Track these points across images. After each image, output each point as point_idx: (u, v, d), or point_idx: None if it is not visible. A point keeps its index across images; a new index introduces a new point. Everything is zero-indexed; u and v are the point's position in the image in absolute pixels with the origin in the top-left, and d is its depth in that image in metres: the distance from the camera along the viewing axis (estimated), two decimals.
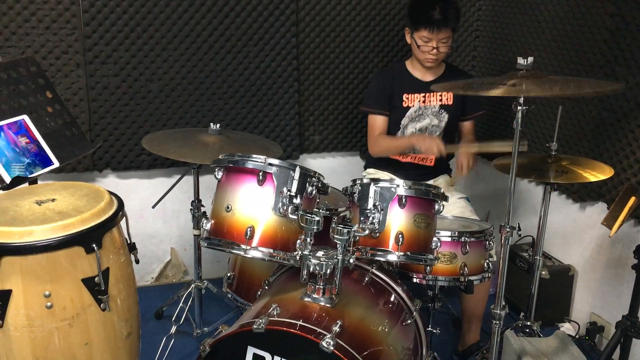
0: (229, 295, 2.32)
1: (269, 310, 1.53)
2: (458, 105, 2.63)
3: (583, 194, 2.60)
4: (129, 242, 1.72)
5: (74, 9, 2.55)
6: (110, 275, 1.56)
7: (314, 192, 1.73)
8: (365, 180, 1.82)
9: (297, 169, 1.69)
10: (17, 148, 1.89)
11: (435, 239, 1.86)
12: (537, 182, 2.84)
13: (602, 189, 2.49)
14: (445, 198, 1.87)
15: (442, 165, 2.72)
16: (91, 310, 1.52)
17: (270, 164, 1.68)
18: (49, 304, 1.45)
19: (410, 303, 1.86)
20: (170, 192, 2.51)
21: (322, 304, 1.60)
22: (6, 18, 2.47)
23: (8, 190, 1.73)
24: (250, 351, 1.51)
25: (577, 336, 2.62)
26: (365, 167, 2.83)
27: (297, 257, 1.65)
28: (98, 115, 2.69)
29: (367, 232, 1.75)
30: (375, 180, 1.81)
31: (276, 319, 1.50)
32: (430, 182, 2.66)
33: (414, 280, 2.05)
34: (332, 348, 1.40)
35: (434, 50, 2.46)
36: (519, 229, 1.80)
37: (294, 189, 1.68)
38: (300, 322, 1.48)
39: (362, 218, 1.78)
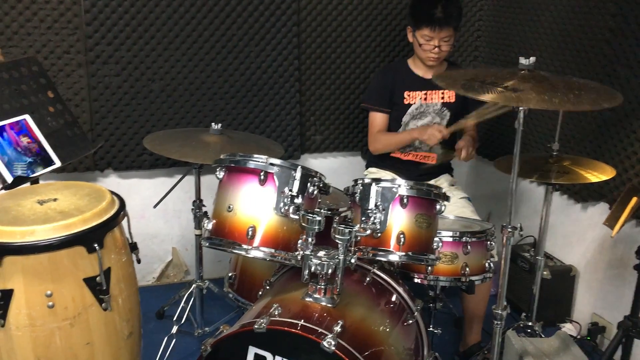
0: (230, 295, 2.32)
1: (271, 310, 1.53)
2: (460, 102, 2.63)
3: (585, 194, 2.60)
4: (130, 241, 1.72)
5: (75, 9, 2.55)
6: (111, 274, 1.56)
7: (315, 192, 1.73)
8: (366, 180, 1.82)
9: (299, 169, 1.69)
10: (19, 148, 1.89)
11: (436, 239, 1.86)
12: (539, 183, 2.84)
13: (603, 189, 2.48)
14: (447, 198, 1.86)
15: (443, 164, 2.72)
16: (93, 310, 1.52)
17: (272, 164, 1.68)
18: (50, 303, 1.45)
19: (412, 303, 1.85)
20: (171, 192, 2.51)
21: (324, 304, 1.60)
22: (8, 18, 2.47)
23: (10, 189, 1.74)
24: (252, 351, 1.51)
25: (578, 336, 2.62)
26: (367, 166, 2.83)
27: (299, 257, 1.65)
28: (99, 115, 2.70)
29: (368, 232, 1.75)
30: (377, 180, 1.81)
31: (277, 318, 1.50)
32: (432, 181, 2.66)
33: (416, 280, 2.04)
34: (333, 348, 1.39)
35: (436, 49, 2.46)
36: (521, 229, 1.80)
37: (295, 189, 1.67)
38: (301, 322, 1.48)
39: (363, 218, 1.78)
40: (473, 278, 2.04)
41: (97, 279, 1.51)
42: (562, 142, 2.43)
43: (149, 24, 2.65)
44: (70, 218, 1.47)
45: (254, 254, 1.66)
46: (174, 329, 2.41)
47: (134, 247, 1.73)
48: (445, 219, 2.30)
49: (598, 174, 2.11)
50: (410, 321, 1.79)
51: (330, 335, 1.42)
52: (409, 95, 2.61)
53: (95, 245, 1.49)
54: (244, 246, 1.66)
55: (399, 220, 1.78)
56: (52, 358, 1.49)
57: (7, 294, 1.43)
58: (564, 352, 2.19)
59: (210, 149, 2.26)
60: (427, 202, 1.82)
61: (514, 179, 1.74)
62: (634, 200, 1.98)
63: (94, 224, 1.50)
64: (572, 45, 2.56)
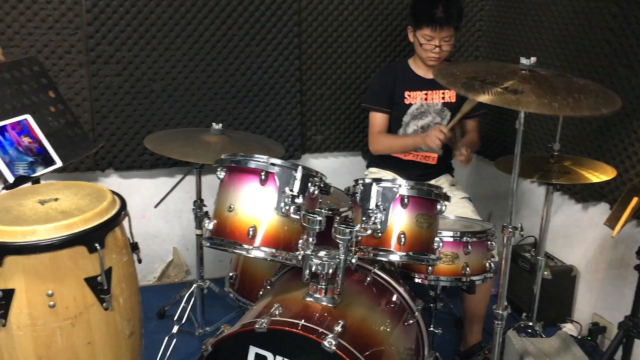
0: (231, 295, 2.32)
1: (271, 310, 1.53)
2: (461, 103, 2.61)
3: (585, 194, 2.60)
4: (131, 241, 1.72)
5: (76, 9, 2.55)
6: (112, 274, 1.56)
7: (316, 192, 1.73)
8: (367, 180, 1.82)
9: (300, 169, 1.69)
10: (20, 147, 1.89)
11: (437, 239, 1.86)
12: (540, 183, 2.84)
13: (604, 190, 2.48)
14: (448, 198, 1.86)
15: (444, 164, 2.72)
16: (94, 310, 1.52)
17: (273, 164, 1.68)
18: (51, 303, 1.45)
19: (412, 303, 1.86)
20: (172, 192, 2.51)
21: (324, 303, 1.60)
22: (9, 18, 2.47)
23: (11, 189, 1.74)
24: (252, 351, 1.51)
25: (579, 337, 2.62)
26: (368, 166, 2.84)
27: (299, 257, 1.65)
28: (101, 115, 2.70)
29: (369, 232, 1.75)
30: (378, 180, 1.81)
31: (278, 318, 1.50)
32: (433, 181, 2.66)
33: (416, 280, 2.04)
34: (334, 348, 1.40)
35: (437, 49, 2.46)
36: (521, 229, 1.80)
37: (296, 188, 1.68)
38: (302, 322, 1.48)
39: (364, 218, 1.78)
40: (474, 278, 2.04)
41: (98, 278, 1.51)
42: (563, 142, 2.43)
43: (150, 24, 2.65)
44: (71, 218, 1.47)
45: (254, 254, 1.66)
46: (175, 329, 2.41)
47: (135, 247, 1.73)
48: (446, 219, 2.30)
49: (599, 174, 2.11)
50: (411, 321, 1.79)
51: (331, 335, 1.42)
52: (409, 95, 2.61)
53: (97, 245, 1.49)
54: (245, 246, 1.66)
55: (400, 220, 1.78)
56: (53, 358, 1.49)
57: (9, 294, 1.43)
58: (564, 352, 2.19)
59: (211, 149, 2.26)
60: (427, 202, 1.82)
61: (514, 179, 1.74)
62: (635, 200, 1.98)
63: (95, 223, 1.51)
64: (572, 45, 2.56)
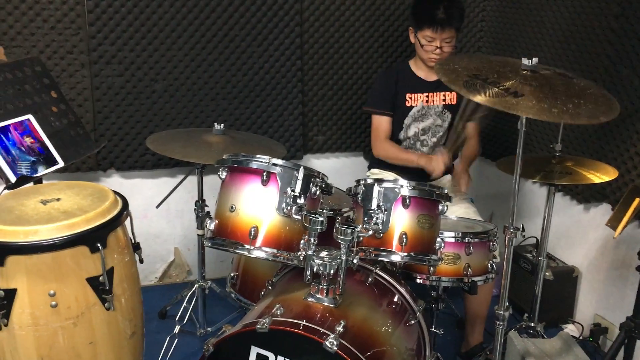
0: (233, 295, 2.32)
1: (273, 310, 1.53)
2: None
3: (587, 195, 2.59)
4: (133, 241, 1.73)
5: (78, 9, 2.56)
6: (114, 274, 1.56)
7: (317, 192, 1.73)
8: (369, 181, 1.82)
9: (301, 169, 1.69)
10: (23, 147, 1.90)
11: (439, 239, 1.86)
12: (541, 183, 2.84)
13: (606, 190, 2.48)
14: (449, 199, 1.86)
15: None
16: (95, 310, 1.52)
17: (274, 164, 1.68)
18: (53, 303, 1.45)
19: (414, 304, 1.86)
20: (174, 192, 2.51)
21: (326, 304, 1.60)
22: (11, 18, 2.48)
23: (13, 189, 1.74)
24: (254, 351, 1.51)
25: (580, 337, 2.61)
26: (369, 167, 2.83)
27: (301, 257, 1.65)
28: (102, 115, 2.70)
29: (370, 232, 1.75)
30: (379, 181, 1.81)
31: (280, 318, 1.50)
32: (434, 182, 2.66)
33: (418, 280, 2.04)
34: (335, 348, 1.40)
35: (438, 50, 2.46)
36: (523, 230, 1.80)
37: (297, 189, 1.68)
38: (303, 322, 1.48)
39: (365, 218, 1.78)
40: (475, 279, 2.03)
41: (100, 278, 1.51)
42: (565, 142, 2.43)
43: (152, 25, 2.66)
44: (73, 218, 1.48)
45: (256, 254, 1.66)
46: (177, 329, 2.42)
47: (136, 247, 1.73)
48: (448, 219, 2.30)
49: (601, 175, 2.11)
50: (413, 322, 1.79)
51: (332, 336, 1.42)
52: (410, 98, 2.61)
53: (98, 245, 1.50)
54: (247, 246, 1.66)
55: (402, 221, 1.78)
56: (55, 357, 1.49)
57: (11, 294, 1.43)
58: (566, 353, 2.19)
59: (212, 149, 2.27)
60: (429, 203, 1.82)
61: (516, 179, 1.74)
62: (637, 201, 1.98)
63: (97, 223, 1.51)
64: (574, 46, 2.56)
